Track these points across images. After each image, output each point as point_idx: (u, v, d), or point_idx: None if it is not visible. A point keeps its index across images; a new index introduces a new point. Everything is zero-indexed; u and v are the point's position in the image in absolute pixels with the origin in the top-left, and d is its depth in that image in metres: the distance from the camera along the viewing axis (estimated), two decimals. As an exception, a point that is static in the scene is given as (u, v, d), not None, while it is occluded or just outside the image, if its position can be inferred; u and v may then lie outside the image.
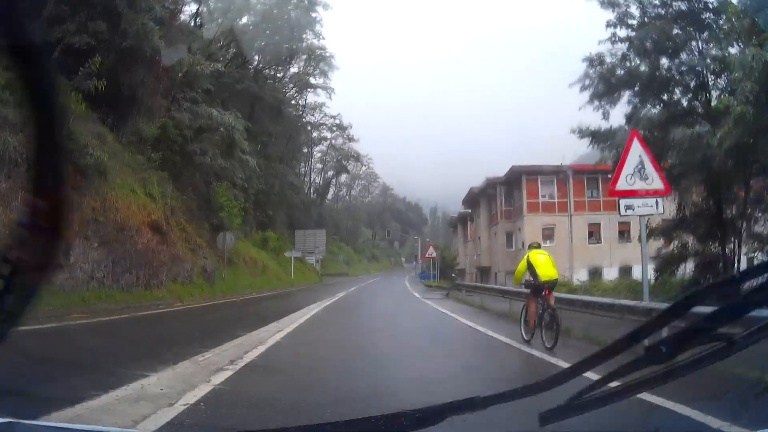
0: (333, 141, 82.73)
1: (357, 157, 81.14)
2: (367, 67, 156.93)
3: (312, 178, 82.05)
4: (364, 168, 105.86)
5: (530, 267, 8.79)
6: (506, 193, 37.17)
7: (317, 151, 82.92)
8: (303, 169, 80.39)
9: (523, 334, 8.91)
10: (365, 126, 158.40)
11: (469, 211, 49.41)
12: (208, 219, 24.56)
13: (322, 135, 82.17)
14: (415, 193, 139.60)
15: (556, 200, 34.87)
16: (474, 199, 42.07)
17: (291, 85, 66.57)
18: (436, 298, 21.92)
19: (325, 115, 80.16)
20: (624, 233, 35.60)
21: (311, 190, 79.30)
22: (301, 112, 71.26)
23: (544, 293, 8.49)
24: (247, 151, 26.57)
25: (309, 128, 73.44)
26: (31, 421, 1.58)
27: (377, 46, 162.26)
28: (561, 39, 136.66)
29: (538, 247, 9.55)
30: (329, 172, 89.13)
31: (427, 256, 36.72)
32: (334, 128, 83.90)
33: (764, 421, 2.46)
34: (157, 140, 21.48)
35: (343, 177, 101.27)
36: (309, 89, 68.67)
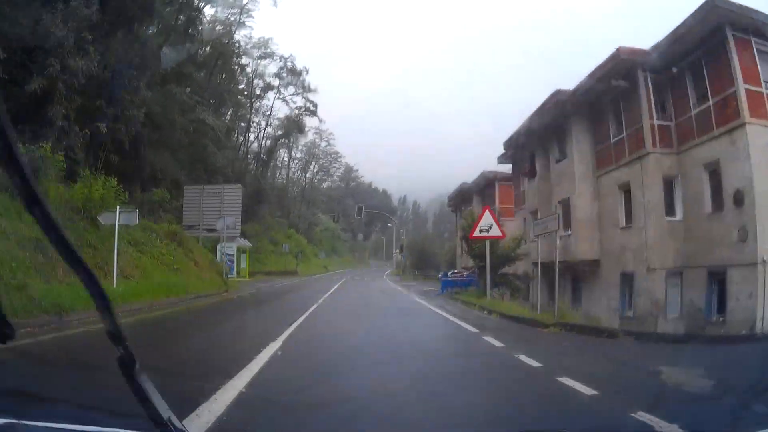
0: (282, 89, 60.30)
1: (314, 111, 58.41)
2: (332, 45, 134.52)
3: (249, 140, 58.68)
4: (324, 144, 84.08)
5: None
6: (665, 87, 16.19)
7: (263, 116, 60.06)
8: (251, 138, 57.62)
9: None
10: (327, 103, 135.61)
11: (509, 167, 28.33)
12: None
13: (268, 82, 59.58)
14: (382, 182, 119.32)
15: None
16: (538, 132, 20.74)
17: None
18: None
19: (273, 53, 57.98)
20: None
21: (248, 153, 56.04)
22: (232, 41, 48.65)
23: None
24: None
25: (242, 58, 50.31)
26: (32, 421, 1.52)
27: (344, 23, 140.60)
28: (539, 37, 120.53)
29: None
30: (278, 135, 66.61)
31: (477, 234, 15.14)
32: (285, 73, 61.51)
33: (764, 422, 2.19)
34: None
35: (298, 153, 78.90)
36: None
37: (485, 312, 12.88)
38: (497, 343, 7.24)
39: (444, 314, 12.52)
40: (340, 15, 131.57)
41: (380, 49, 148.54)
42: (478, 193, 35.16)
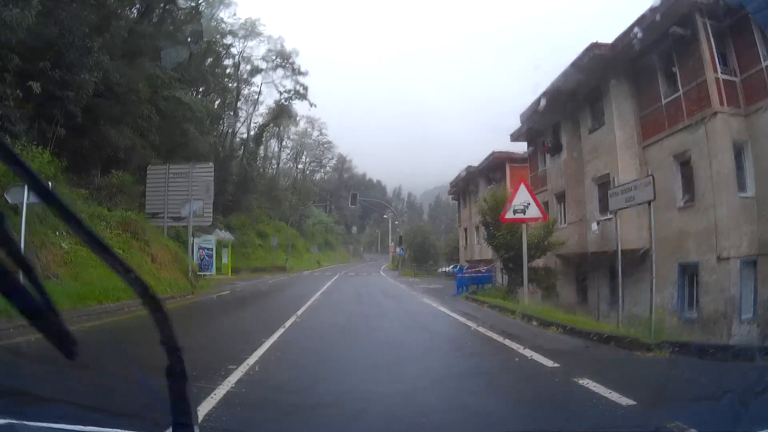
0: (271, 72, 56.64)
1: (303, 94, 54.76)
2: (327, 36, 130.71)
3: (236, 127, 54.99)
4: (316, 134, 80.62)
5: None
6: (725, 36, 13.26)
7: (251, 102, 56.28)
8: (238, 125, 53.88)
9: None
10: (324, 99, 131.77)
11: (525, 147, 25.28)
12: None
13: (255, 66, 55.80)
14: (376, 174, 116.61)
15: None
16: (566, 98, 17.71)
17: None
18: None
19: (261, 35, 54.18)
20: None
21: (234, 139, 52.37)
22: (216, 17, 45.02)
23: None
24: None
25: (227, 38, 46.64)
26: (31, 421, 1.49)
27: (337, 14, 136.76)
28: (534, 32, 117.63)
29: None
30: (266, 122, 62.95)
31: (510, 216, 11.99)
32: (273, 55, 57.78)
33: (764, 422, 2.18)
34: None
35: (289, 142, 75.27)
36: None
37: (533, 323, 9.27)
38: (614, 396, 3.90)
39: (480, 329, 8.80)
40: (335, 9, 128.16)
41: (378, 45, 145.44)
42: (486, 177, 32.06)
